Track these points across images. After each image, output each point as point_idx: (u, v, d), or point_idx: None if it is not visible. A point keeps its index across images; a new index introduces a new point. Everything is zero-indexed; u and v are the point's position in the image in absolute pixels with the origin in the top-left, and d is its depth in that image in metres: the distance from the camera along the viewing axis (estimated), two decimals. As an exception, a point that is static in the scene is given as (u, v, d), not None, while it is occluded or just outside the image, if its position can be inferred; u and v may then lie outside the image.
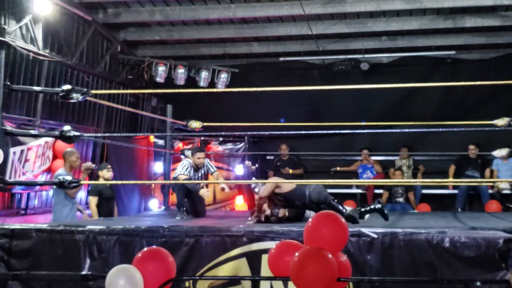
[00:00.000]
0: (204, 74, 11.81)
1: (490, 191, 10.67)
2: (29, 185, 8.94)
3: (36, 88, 8.45)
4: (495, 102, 11.03)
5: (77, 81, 10.32)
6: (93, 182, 8.51)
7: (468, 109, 11.25)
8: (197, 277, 5.07)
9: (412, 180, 11.36)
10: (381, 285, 4.91)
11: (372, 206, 6.46)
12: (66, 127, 5.46)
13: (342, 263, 3.89)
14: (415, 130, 10.09)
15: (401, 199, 10.91)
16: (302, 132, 8.79)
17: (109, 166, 8.19)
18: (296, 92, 10.13)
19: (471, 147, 10.89)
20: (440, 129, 9.48)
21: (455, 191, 10.93)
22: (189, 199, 7.75)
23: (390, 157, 11.91)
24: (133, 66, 12.25)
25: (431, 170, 11.55)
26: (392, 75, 11.73)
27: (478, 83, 7.31)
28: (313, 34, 10.83)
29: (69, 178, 5.44)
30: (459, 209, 10.31)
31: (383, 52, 12.14)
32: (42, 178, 9.13)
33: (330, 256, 3.73)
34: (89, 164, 7.95)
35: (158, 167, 12.04)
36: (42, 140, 9.14)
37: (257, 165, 11.49)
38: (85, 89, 5.48)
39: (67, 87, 5.40)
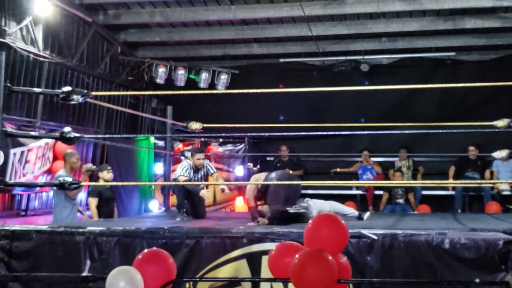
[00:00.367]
0: (204, 75, 11.83)
1: (490, 192, 10.68)
2: (29, 186, 8.94)
3: (36, 89, 8.45)
4: (495, 103, 11.02)
5: (77, 83, 10.32)
6: (93, 183, 8.51)
7: (468, 110, 11.24)
8: (197, 279, 5.07)
9: (412, 181, 11.37)
10: (381, 286, 4.92)
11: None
12: (67, 129, 5.47)
13: (342, 264, 3.89)
14: (415, 131, 10.11)
15: (401, 200, 10.92)
16: (302, 133, 8.79)
17: (109, 168, 8.19)
18: (296, 93, 10.16)
19: (471, 148, 10.89)
20: (440, 130, 9.51)
21: (454, 193, 10.93)
22: (189, 201, 7.76)
23: (390, 158, 11.91)
24: (133, 68, 12.27)
25: (431, 171, 11.55)
26: (392, 77, 11.74)
27: (478, 84, 7.34)
28: (313, 35, 10.83)
29: (69, 179, 5.45)
30: (459, 210, 10.31)
31: (383, 53, 12.14)
32: (42, 179, 9.14)
33: (330, 257, 3.73)
34: (89, 165, 7.96)
35: (158, 168, 12.05)
36: (42, 142, 9.15)
37: (258, 167, 11.48)
38: (85, 91, 5.49)
39: (67, 88, 5.41)
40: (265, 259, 4.80)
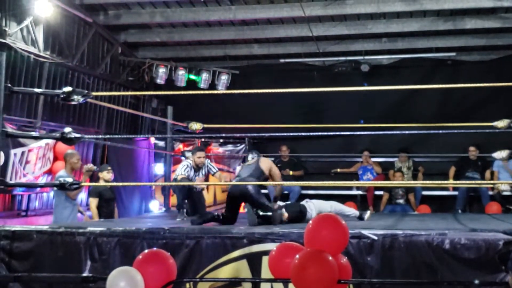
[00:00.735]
0: (205, 76, 11.84)
1: (490, 192, 10.68)
2: (30, 186, 8.95)
3: (37, 90, 8.45)
4: (495, 103, 11.02)
5: (77, 83, 10.33)
6: (93, 184, 8.52)
7: (468, 110, 11.24)
8: (198, 279, 5.07)
9: (413, 181, 11.38)
10: (381, 286, 4.91)
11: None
12: (67, 129, 5.48)
13: (343, 265, 3.90)
14: (416, 131, 10.11)
15: (401, 201, 10.92)
16: (303, 133, 8.80)
17: (109, 168, 8.20)
18: (296, 93, 10.15)
19: (471, 148, 10.88)
20: (440, 131, 9.50)
21: (455, 193, 10.92)
22: (189, 201, 7.77)
23: (390, 159, 11.91)
24: (134, 68, 12.28)
25: (431, 172, 11.55)
26: (392, 77, 11.76)
27: (478, 85, 7.34)
28: (313, 36, 10.84)
29: (70, 179, 5.46)
30: (459, 211, 10.31)
31: (383, 53, 12.14)
32: (43, 180, 9.15)
33: (330, 258, 3.74)
34: (90, 166, 7.97)
35: (158, 168, 12.06)
36: (43, 142, 9.16)
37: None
38: (86, 91, 5.50)
39: (67, 89, 5.42)
40: (265, 260, 4.80)
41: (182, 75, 11.81)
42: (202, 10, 10.59)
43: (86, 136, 8.03)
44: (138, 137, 12.30)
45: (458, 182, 10.84)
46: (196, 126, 8.20)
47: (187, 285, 5.09)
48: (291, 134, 8.76)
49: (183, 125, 8.77)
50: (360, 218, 7.05)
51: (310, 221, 4.03)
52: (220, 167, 11.80)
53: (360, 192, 11.61)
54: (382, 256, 4.87)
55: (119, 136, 11.30)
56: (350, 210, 7.25)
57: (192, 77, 11.90)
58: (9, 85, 5.45)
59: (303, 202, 6.99)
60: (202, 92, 9.73)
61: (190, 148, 11.48)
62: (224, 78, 11.84)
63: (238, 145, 12.56)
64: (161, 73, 11.78)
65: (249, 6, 10.38)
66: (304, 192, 11.22)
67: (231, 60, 12.53)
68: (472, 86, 6.35)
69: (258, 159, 6.90)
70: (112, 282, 3.86)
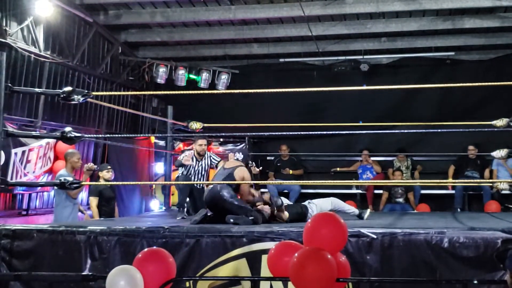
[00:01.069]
0: (205, 75, 11.87)
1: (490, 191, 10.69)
2: (30, 186, 8.98)
3: (37, 89, 8.48)
4: (494, 103, 11.04)
5: (78, 83, 10.35)
6: (94, 183, 8.54)
7: (467, 109, 11.26)
8: (197, 278, 5.09)
9: (412, 180, 11.39)
10: (380, 285, 4.92)
11: None
12: (67, 128, 5.49)
13: (341, 263, 3.90)
14: (415, 131, 10.12)
15: (400, 200, 10.93)
16: (302, 132, 8.81)
17: (109, 167, 8.22)
18: (296, 93, 10.17)
19: (471, 147, 10.90)
20: (440, 130, 9.52)
21: (454, 192, 10.95)
22: (191, 198, 7.78)
23: (389, 158, 11.93)
24: (134, 68, 12.30)
25: (430, 171, 11.57)
26: (391, 76, 11.79)
27: (477, 84, 7.36)
28: (313, 35, 10.85)
29: (70, 179, 5.48)
30: (459, 209, 10.34)
31: (383, 53, 12.16)
32: (43, 179, 9.17)
33: (329, 256, 3.75)
34: (90, 165, 7.99)
35: (159, 167, 12.07)
36: (43, 141, 9.19)
37: (261, 168, 11.50)
38: (86, 91, 5.52)
39: (68, 88, 5.44)
40: (264, 258, 4.81)
41: (182, 75, 11.83)
42: (202, 10, 10.60)
43: (87, 136, 8.05)
44: (138, 137, 12.32)
45: (457, 181, 10.86)
46: (196, 125, 8.21)
47: (187, 283, 5.10)
48: (291, 133, 8.76)
49: (183, 124, 8.78)
50: (360, 217, 7.07)
51: (309, 220, 4.05)
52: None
53: (359, 191, 11.64)
54: (381, 254, 4.89)
55: (120, 136, 11.32)
56: (350, 208, 7.27)
57: (192, 76, 11.93)
58: (10, 84, 5.47)
59: (305, 203, 7.00)
60: (202, 91, 9.75)
61: (190, 147, 11.48)
62: (224, 78, 11.86)
63: (238, 144, 12.57)
64: (161, 72, 11.80)
65: (249, 6, 10.40)
66: (304, 191, 11.25)
67: (231, 59, 12.55)
68: (471, 85, 6.37)
69: (235, 168, 6.58)
70: (112, 280, 3.88)
